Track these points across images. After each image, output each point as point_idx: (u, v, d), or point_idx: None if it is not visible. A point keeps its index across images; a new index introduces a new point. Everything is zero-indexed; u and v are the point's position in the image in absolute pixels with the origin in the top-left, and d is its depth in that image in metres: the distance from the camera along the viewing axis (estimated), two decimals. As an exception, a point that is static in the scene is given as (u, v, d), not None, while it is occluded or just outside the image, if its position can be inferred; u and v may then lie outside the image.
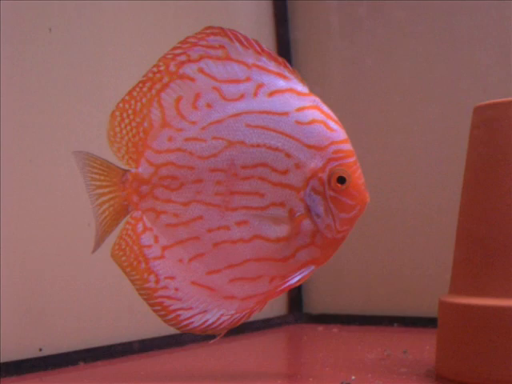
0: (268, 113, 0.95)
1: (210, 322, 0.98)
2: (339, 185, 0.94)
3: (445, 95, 1.48)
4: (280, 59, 0.97)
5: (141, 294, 1.00)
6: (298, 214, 0.95)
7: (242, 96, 0.96)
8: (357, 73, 1.62)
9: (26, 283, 1.20)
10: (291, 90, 0.96)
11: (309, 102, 0.96)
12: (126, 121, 0.99)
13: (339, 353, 1.24)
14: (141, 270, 0.99)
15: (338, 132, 0.95)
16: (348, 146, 0.95)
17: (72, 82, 1.29)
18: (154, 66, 0.98)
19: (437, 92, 1.49)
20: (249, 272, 0.97)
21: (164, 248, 0.99)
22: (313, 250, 0.95)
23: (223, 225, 0.96)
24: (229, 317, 0.98)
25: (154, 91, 0.98)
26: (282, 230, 0.95)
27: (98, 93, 1.31)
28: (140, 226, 1.00)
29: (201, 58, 0.97)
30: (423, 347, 1.18)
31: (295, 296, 1.68)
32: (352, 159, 0.95)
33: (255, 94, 0.96)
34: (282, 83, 0.96)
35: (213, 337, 0.99)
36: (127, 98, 0.99)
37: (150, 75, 0.98)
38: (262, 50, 0.97)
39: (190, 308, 0.98)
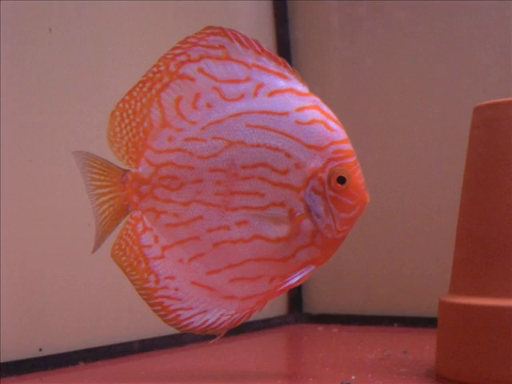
0: (268, 113, 0.95)
1: (210, 322, 0.98)
2: (339, 185, 0.94)
3: (445, 95, 1.48)
4: (280, 59, 0.97)
5: (141, 294, 1.00)
6: (298, 214, 0.95)
7: (241, 96, 0.96)
8: (357, 73, 1.62)
9: (26, 283, 1.20)
10: (291, 90, 0.96)
11: (309, 102, 0.96)
12: (126, 121, 0.99)
13: (339, 353, 1.24)
14: (141, 270, 0.99)
15: (338, 132, 0.95)
16: (348, 146, 0.95)
17: (72, 82, 1.29)
18: (154, 66, 0.98)
19: (437, 92, 1.49)
20: (249, 272, 0.97)
21: (164, 248, 0.99)
22: (313, 250, 0.95)
23: (223, 225, 0.96)
24: (229, 317, 0.98)
25: (154, 91, 0.98)
26: (281, 230, 0.95)
27: (98, 93, 1.31)
28: (140, 226, 1.00)
29: (201, 57, 0.97)
30: (423, 347, 1.18)
31: (295, 296, 1.68)
32: (352, 159, 0.95)
33: (255, 94, 0.96)
34: (282, 83, 0.96)
35: (213, 337, 0.99)
36: (127, 97, 0.99)
37: (150, 75, 0.98)
38: (262, 50, 0.97)
39: (190, 308, 0.98)
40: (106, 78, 1.33)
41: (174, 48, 0.98)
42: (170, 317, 0.99)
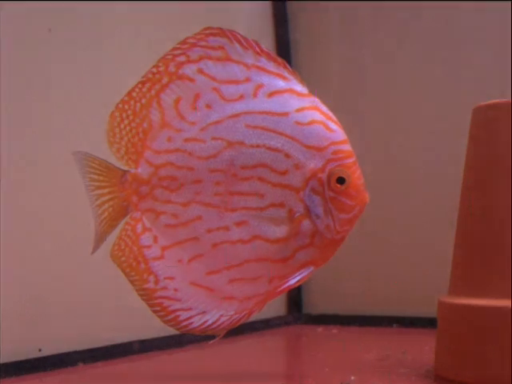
0: (267, 113, 0.95)
1: (210, 322, 0.98)
2: (339, 185, 0.94)
3: (444, 95, 1.48)
4: (279, 60, 0.97)
5: (140, 295, 1.00)
6: (298, 214, 0.95)
7: (241, 96, 0.96)
8: (356, 73, 1.62)
9: (26, 283, 1.20)
10: (291, 91, 0.96)
11: (308, 102, 0.96)
12: (126, 121, 0.99)
13: (339, 353, 1.24)
14: (140, 270, 0.99)
15: (338, 132, 0.95)
16: (347, 147, 0.95)
17: (72, 82, 1.29)
18: (154, 67, 0.98)
19: (436, 92, 1.49)
20: (248, 272, 0.97)
21: (163, 248, 0.99)
22: (312, 250, 0.95)
23: (222, 225, 0.96)
24: (228, 317, 0.98)
25: (153, 92, 0.98)
26: (281, 231, 0.95)
27: (97, 93, 1.31)
28: (139, 227, 1.00)
29: (200, 58, 0.97)
30: (422, 348, 1.18)
31: (295, 296, 1.68)
32: (351, 160, 0.95)
33: (255, 95, 0.96)
34: (281, 84, 0.96)
35: (212, 337, 0.99)
36: (127, 98, 0.99)
37: (150, 76, 0.98)
38: (262, 51, 0.96)
39: (190, 308, 0.98)
40: (106, 78, 1.33)
41: (174, 49, 0.98)
42: (169, 317, 0.99)
